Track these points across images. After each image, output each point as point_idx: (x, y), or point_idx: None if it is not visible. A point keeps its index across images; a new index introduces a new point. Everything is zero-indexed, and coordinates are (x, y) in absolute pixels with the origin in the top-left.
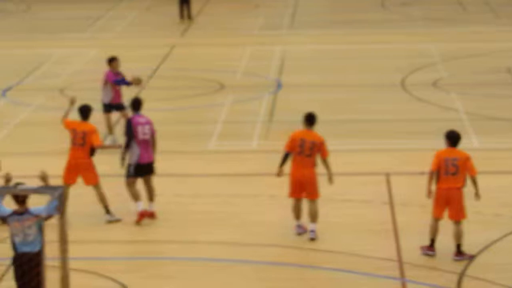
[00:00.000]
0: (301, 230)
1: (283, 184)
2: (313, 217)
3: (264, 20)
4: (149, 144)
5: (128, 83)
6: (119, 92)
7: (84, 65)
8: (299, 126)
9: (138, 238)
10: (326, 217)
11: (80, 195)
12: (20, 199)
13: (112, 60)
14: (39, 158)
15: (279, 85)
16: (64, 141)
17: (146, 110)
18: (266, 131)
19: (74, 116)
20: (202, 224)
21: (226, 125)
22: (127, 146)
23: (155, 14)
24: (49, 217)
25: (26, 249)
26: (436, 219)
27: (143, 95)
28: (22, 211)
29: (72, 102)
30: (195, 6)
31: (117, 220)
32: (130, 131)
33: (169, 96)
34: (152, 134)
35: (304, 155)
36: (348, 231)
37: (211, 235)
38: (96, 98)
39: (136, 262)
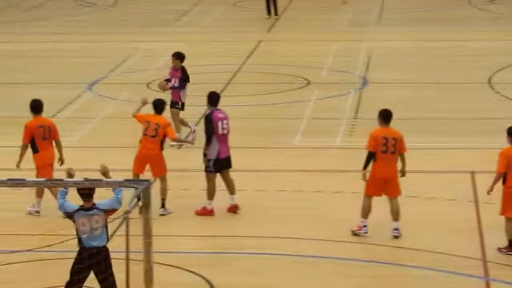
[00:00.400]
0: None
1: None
2: (396, 214)
3: (351, 16)
4: (227, 138)
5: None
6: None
7: (169, 60)
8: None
9: (219, 232)
10: (410, 215)
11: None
12: (87, 194)
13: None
14: (122, 152)
15: (365, 82)
16: None
17: (232, 106)
18: (351, 128)
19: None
20: (284, 219)
21: (311, 121)
22: (209, 141)
23: (242, 10)
24: (113, 211)
25: (94, 243)
26: (508, 218)
27: (229, 91)
28: (89, 207)
29: (144, 102)
30: (281, 2)
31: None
32: (211, 126)
33: (255, 92)
34: (229, 128)
35: (389, 152)
36: (432, 229)
37: (293, 231)
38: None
39: (218, 257)
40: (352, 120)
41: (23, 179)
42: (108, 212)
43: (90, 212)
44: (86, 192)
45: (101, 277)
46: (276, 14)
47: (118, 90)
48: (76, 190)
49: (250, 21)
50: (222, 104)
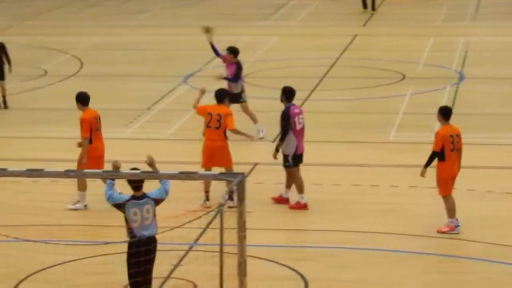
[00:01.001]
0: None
1: (459, 178)
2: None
3: (447, 11)
4: (303, 134)
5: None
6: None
7: (265, 53)
8: (479, 119)
9: (307, 227)
10: (498, 212)
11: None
12: (137, 184)
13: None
14: None
15: (461, 77)
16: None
17: (327, 100)
18: None
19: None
20: (378, 214)
21: (406, 116)
22: (284, 137)
23: (338, 3)
24: (161, 200)
25: (145, 233)
26: None
27: (324, 85)
28: (140, 196)
29: (203, 92)
30: None
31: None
32: (288, 122)
33: (350, 86)
34: (304, 123)
35: (455, 150)
36: None
37: (387, 226)
38: (275, 86)
39: (310, 251)
40: None
41: (119, 171)
42: (157, 201)
43: (141, 201)
44: (138, 182)
45: (147, 267)
46: (373, 8)
47: (213, 83)
48: (126, 181)
49: (345, 15)
50: (317, 97)
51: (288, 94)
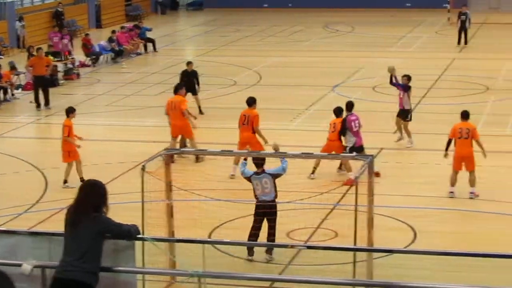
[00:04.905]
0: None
1: None
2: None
3: None
4: (359, 132)
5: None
6: (401, 99)
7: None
8: None
9: (420, 193)
10: None
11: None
12: (259, 163)
13: None
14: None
15: None
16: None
17: (432, 104)
18: None
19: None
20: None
21: (489, 116)
22: (343, 135)
23: (442, 36)
24: (278, 175)
25: (265, 198)
26: None
27: (431, 93)
28: (260, 172)
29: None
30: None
31: None
32: (345, 127)
33: (449, 94)
34: (360, 124)
35: (463, 138)
36: None
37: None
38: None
39: (419, 211)
40: None
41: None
42: (275, 176)
43: (260, 176)
44: (259, 161)
45: (270, 224)
46: (465, 43)
47: (353, 91)
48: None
49: (447, 44)
50: (426, 102)
51: (348, 106)
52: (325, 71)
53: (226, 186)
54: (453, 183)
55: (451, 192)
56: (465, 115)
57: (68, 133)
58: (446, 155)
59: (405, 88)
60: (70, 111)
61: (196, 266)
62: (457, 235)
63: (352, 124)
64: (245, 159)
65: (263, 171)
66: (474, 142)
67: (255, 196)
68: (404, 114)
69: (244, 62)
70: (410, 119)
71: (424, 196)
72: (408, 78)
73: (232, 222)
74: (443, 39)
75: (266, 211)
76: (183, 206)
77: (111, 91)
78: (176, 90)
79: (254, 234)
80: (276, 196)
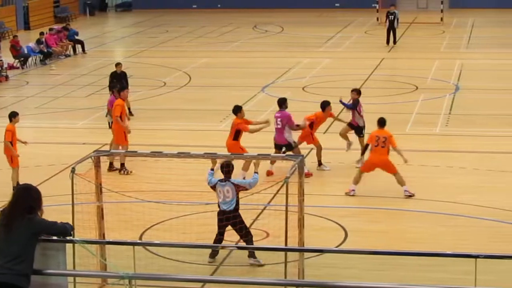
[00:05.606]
0: None
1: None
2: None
3: (448, 41)
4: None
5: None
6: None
7: (320, 70)
8: (472, 118)
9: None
10: None
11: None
12: (226, 170)
13: None
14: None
15: (457, 88)
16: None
17: (363, 104)
18: (446, 121)
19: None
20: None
21: (418, 115)
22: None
23: (370, 36)
24: (242, 187)
25: (224, 207)
26: None
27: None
28: (224, 180)
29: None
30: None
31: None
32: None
33: (379, 94)
34: (283, 124)
35: (380, 146)
36: None
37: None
38: (326, 94)
39: (354, 210)
40: (448, 115)
41: (215, 153)
42: (238, 187)
43: (224, 183)
44: (226, 169)
45: (236, 230)
46: (394, 42)
47: (283, 92)
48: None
49: (376, 44)
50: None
51: (278, 102)
52: (255, 71)
53: (156, 188)
54: (356, 182)
55: (353, 190)
56: (381, 123)
57: (11, 138)
58: (359, 161)
59: (353, 105)
60: (13, 116)
61: (126, 268)
62: (387, 234)
63: (277, 120)
64: (212, 169)
65: (228, 180)
66: (393, 149)
67: (218, 204)
68: (358, 131)
69: (174, 63)
70: (363, 136)
71: (354, 195)
72: (358, 92)
73: (163, 223)
74: (372, 39)
75: (227, 223)
76: (113, 208)
77: (40, 93)
78: (118, 93)
79: (218, 239)
80: (236, 208)
